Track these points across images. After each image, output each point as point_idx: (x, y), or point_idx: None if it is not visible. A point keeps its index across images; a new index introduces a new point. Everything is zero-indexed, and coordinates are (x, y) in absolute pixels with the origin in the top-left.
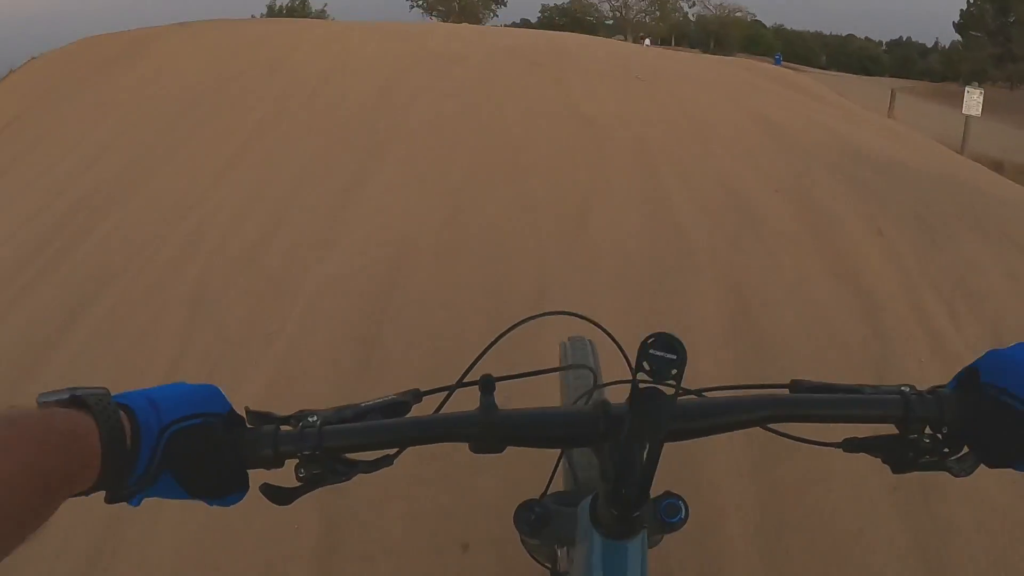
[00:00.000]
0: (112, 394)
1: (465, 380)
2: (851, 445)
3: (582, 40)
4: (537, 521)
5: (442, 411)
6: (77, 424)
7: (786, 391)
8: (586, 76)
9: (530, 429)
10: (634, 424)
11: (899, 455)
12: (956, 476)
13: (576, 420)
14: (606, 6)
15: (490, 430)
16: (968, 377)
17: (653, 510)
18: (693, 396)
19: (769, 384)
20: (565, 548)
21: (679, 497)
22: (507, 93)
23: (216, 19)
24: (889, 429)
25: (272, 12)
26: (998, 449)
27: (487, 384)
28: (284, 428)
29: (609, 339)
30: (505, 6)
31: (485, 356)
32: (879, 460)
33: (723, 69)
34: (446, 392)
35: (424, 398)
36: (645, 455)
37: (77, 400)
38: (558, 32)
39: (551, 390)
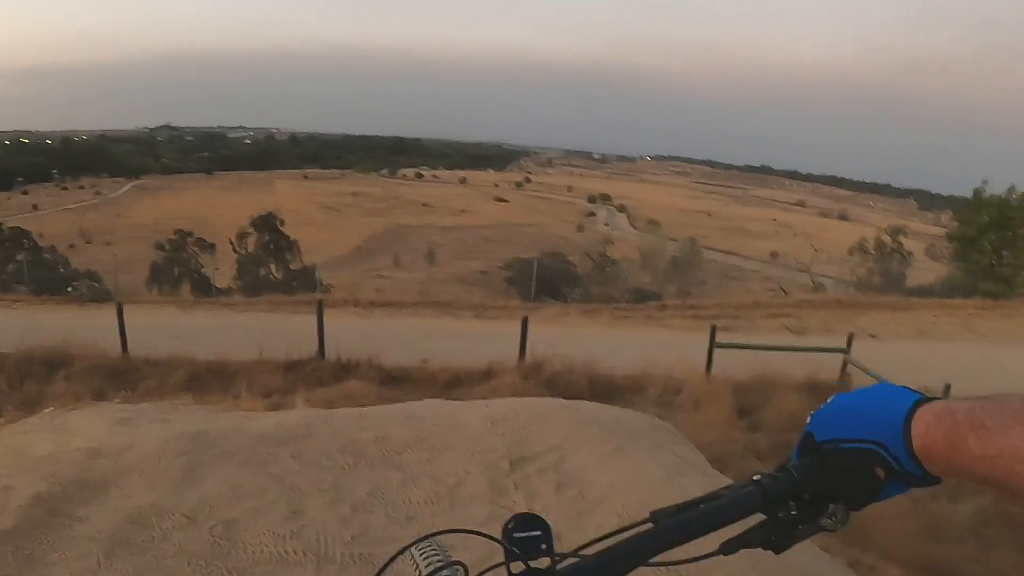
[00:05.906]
0: None
1: None
2: (729, 547)
3: None
4: None
5: None
6: None
7: (650, 525)
8: None
9: None
10: None
11: (774, 536)
12: (833, 531)
13: None
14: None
15: None
16: (805, 442)
17: None
18: (572, 559)
19: (632, 525)
20: None
21: None
22: None
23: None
24: (759, 518)
25: (979, 199)
26: (855, 493)
27: None
28: None
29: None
30: None
31: None
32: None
33: None
34: None
35: None
36: None
37: None
38: None
39: None
